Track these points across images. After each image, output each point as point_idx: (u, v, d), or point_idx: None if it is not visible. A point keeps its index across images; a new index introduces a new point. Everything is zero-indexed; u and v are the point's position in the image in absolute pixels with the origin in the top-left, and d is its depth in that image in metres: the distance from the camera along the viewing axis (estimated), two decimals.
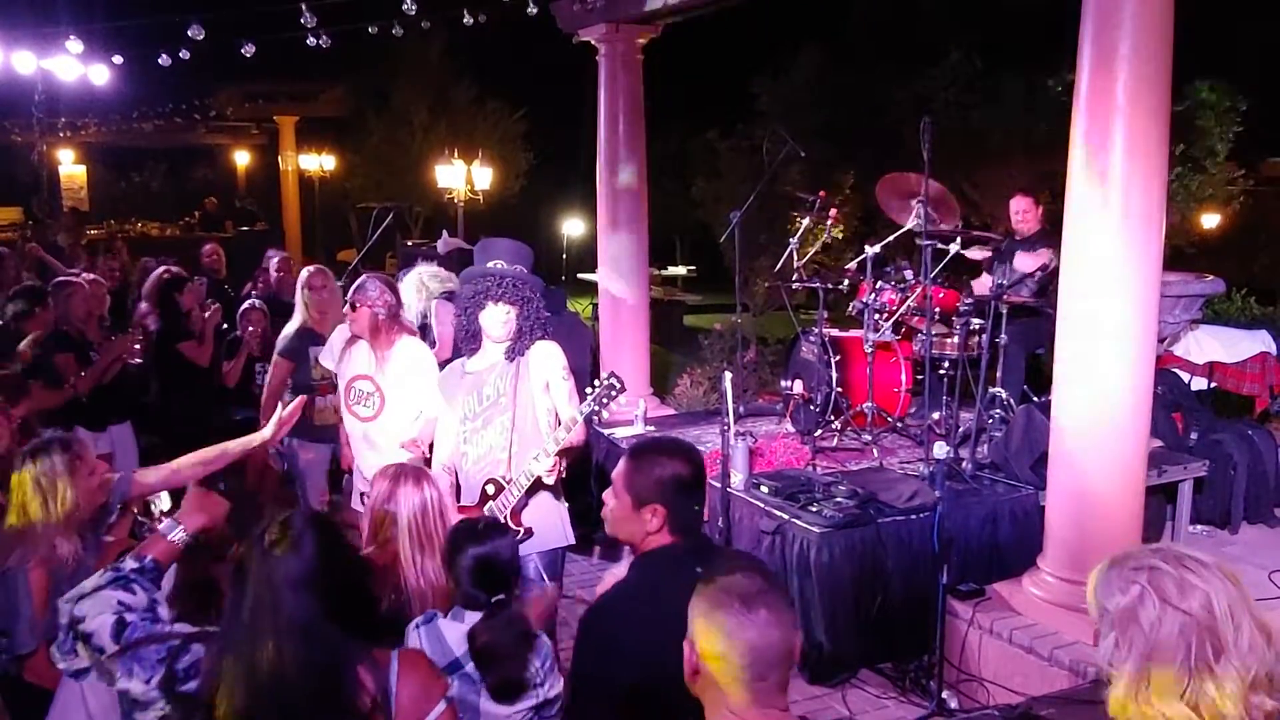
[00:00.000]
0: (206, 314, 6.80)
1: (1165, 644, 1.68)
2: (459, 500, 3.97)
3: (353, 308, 4.47)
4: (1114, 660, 1.75)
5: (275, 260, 7.95)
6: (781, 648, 1.79)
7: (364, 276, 4.59)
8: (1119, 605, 1.75)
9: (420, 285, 5.97)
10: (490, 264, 3.91)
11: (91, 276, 6.84)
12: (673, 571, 2.34)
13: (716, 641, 1.78)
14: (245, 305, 6.90)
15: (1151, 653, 1.69)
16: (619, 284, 8.05)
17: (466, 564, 2.80)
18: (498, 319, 3.87)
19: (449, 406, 4.06)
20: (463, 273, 4.06)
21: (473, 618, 2.74)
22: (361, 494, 4.47)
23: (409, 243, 13.97)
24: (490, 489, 3.85)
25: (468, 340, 4.00)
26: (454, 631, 2.74)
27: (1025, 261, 6.16)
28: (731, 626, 1.77)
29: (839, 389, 6.20)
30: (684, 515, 2.41)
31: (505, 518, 3.78)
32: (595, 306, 9.42)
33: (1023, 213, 6.56)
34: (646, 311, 8.27)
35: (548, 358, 3.95)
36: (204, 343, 6.55)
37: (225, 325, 7.14)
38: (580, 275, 17.11)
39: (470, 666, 2.68)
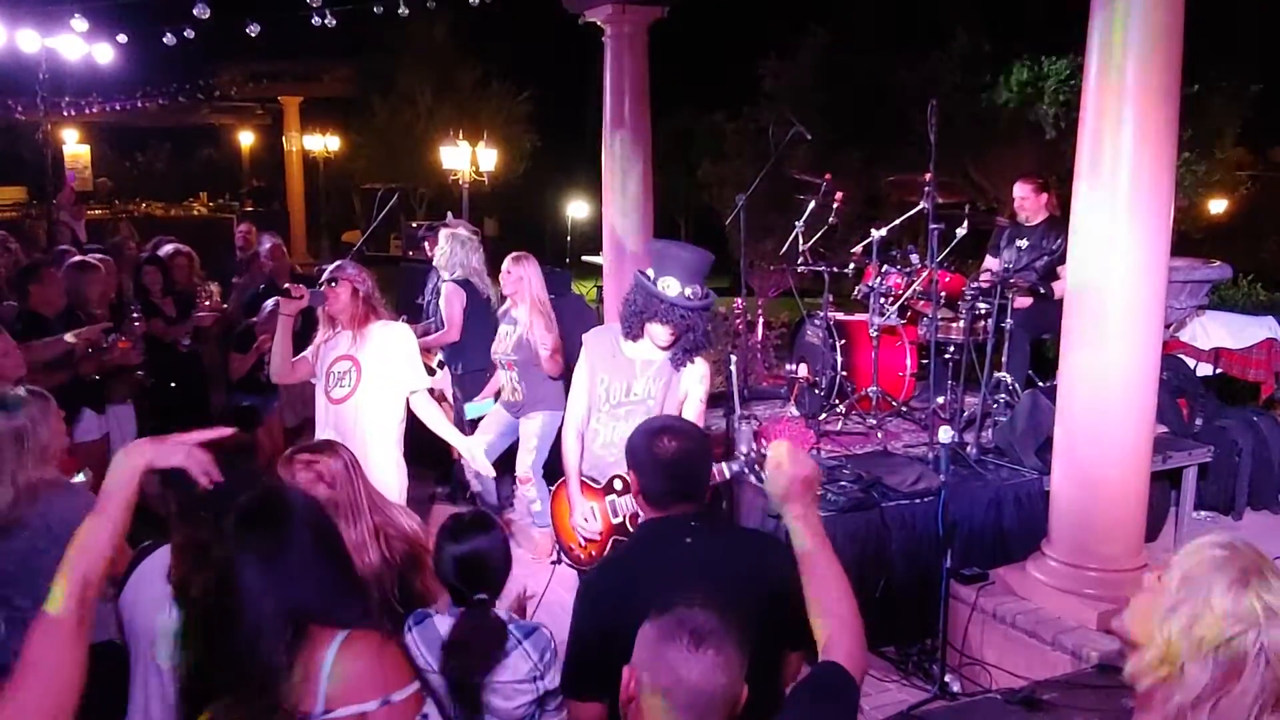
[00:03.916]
0: (208, 304, 6.72)
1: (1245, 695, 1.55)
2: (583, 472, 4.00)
3: (331, 284, 4.37)
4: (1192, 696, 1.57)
5: (266, 246, 7.78)
6: (725, 694, 1.72)
7: (339, 261, 4.59)
8: (1225, 629, 1.56)
9: (454, 238, 6.14)
10: (663, 282, 3.80)
11: (100, 256, 6.80)
12: (661, 540, 2.46)
13: (658, 675, 1.71)
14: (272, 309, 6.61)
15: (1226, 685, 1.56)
16: (623, 268, 8.03)
17: (448, 562, 2.76)
18: (661, 335, 3.86)
19: (588, 373, 4.02)
20: (636, 284, 3.91)
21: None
22: None
23: (413, 224, 13.97)
24: (619, 484, 3.86)
25: (630, 328, 3.93)
26: (446, 628, 2.68)
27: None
28: (676, 662, 1.70)
29: (844, 373, 6.19)
30: (653, 486, 2.50)
31: (625, 518, 3.82)
32: (599, 289, 9.41)
33: (1022, 199, 6.44)
34: None
35: (697, 375, 3.98)
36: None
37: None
38: (585, 258, 17.06)
39: None
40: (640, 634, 1.77)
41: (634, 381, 3.94)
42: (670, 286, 3.79)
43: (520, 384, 5.70)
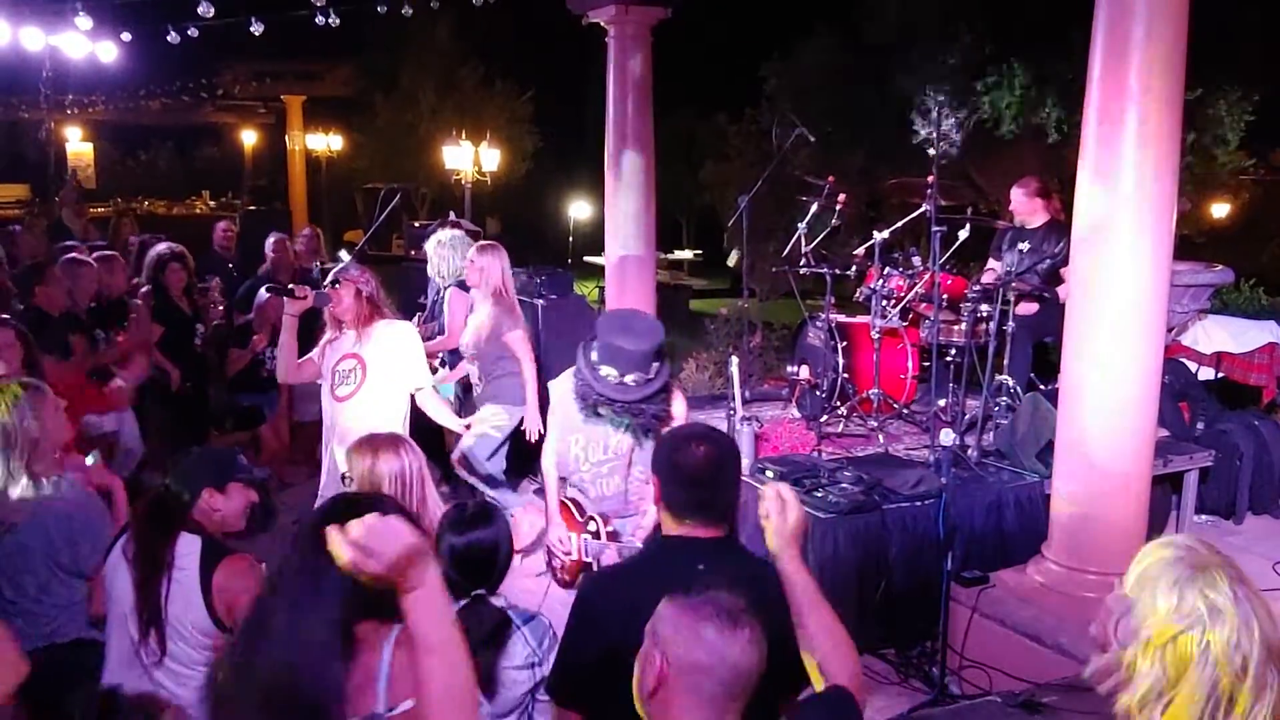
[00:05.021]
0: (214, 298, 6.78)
1: (1199, 684, 1.57)
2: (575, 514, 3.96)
3: (334, 284, 4.38)
4: (1139, 671, 1.62)
5: (271, 241, 7.84)
6: (756, 670, 1.74)
7: (344, 263, 4.61)
8: (1169, 628, 1.58)
9: (440, 245, 6.07)
10: (604, 370, 3.60)
11: (107, 253, 6.82)
12: (674, 561, 2.34)
13: (698, 653, 1.72)
14: (266, 298, 6.55)
15: (1179, 682, 1.58)
16: (625, 269, 8.04)
17: (446, 553, 2.77)
18: (608, 410, 3.73)
19: (559, 433, 3.92)
20: (578, 363, 3.70)
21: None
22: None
23: (415, 224, 13.97)
24: (593, 527, 3.83)
25: (584, 407, 3.76)
26: None
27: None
28: (716, 642, 1.71)
29: (845, 375, 6.19)
30: (673, 493, 2.39)
31: (595, 561, 3.81)
32: (601, 289, 9.42)
33: (1016, 203, 6.39)
34: (653, 295, 8.27)
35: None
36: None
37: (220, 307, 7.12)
38: (586, 258, 17.08)
39: None
40: (666, 618, 1.78)
41: (609, 440, 3.88)
42: (610, 376, 3.60)
43: (480, 377, 5.53)
